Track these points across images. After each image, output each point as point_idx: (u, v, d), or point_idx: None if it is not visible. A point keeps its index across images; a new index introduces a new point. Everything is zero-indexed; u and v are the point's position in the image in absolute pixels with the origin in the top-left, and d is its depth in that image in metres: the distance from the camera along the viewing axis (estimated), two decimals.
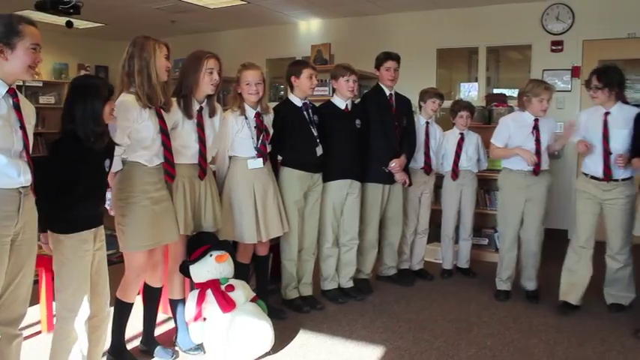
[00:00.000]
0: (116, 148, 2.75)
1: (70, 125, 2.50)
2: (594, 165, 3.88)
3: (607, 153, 3.80)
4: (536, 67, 6.42)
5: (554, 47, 6.30)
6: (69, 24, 5.64)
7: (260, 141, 3.56)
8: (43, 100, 8.27)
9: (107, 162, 2.68)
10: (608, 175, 3.81)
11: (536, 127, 4.14)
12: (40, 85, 8.21)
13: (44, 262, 3.44)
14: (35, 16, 5.78)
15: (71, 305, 2.56)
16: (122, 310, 2.96)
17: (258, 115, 3.59)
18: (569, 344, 3.46)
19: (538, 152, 4.11)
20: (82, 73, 8.79)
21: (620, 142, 3.78)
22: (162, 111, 2.97)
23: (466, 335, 3.61)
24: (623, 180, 3.83)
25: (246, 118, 3.54)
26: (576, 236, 4.04)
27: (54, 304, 3.57)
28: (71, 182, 2.50)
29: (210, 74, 3.20)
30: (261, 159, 3.57)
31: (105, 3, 6.49)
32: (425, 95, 4.72)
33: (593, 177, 3.89)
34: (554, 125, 4.32)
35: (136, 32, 2.92)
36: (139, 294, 3.20)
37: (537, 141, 4.12)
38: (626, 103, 3.98)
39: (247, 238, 3.57)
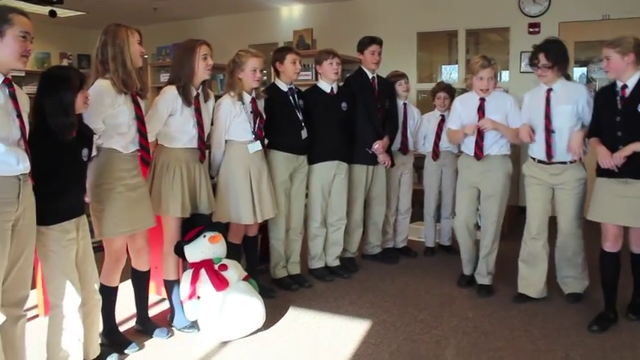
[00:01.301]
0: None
1: (42, 117, 2.52)
2: (539, 147, 3.68)
3: (548, 131, 3.61)
4: (514, 48, 6.56)
5: (531, 29, 6.44)
6: (52, 13, 5.65)
7: (257, 125, 3.68)
8: (26, 89, 8.03)
9: (85, 151, 2.69)
10: (550, 156, 3.62)
11: (481, 108, 3.93)
12: (23, 75, 8.16)
13: None
14: (18, 5, 5.81)
15: (60, 294, 2.62)
16: (107, 295, 3.01)
17: (253, 100, 3.70)
18: (546, 314, 3.64)
19: (481, 135, 3.89)
20: (64, 62, 8.78)
21: (563, 119, 3.59)
22: (138, 97, 3.02)
23: (449, 308, 3.78)
24: (572, 162, 3.62)
25: (243, 103, 3.64)
26: (527, 226, 3.83)
27: None
28: (49, 174, 2.53)
29: (205, 60, 3.32)
30: (259, 142, 3.70)
31: None
32: (391, 79, 4.84)
33: (540, 161, 3.69)
34: (509, 103, 3.95)
35: (118, 20, 2.97)
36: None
37: None
38: (568, 78, 3.79)
39: (245, 219, 3.69)
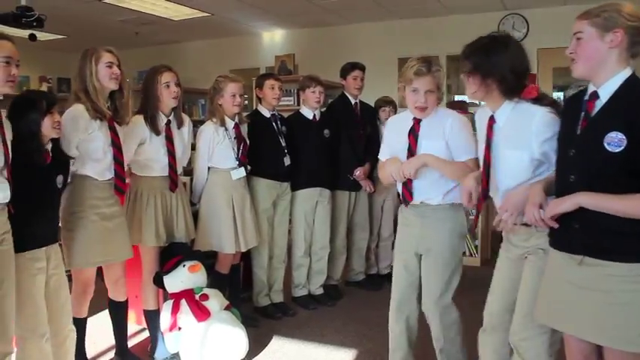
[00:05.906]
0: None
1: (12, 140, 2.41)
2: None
3: (487, 167, 2.29)
4: None
5: None
6: (32, 37, 5.58)
7: (240, 151, 3.64)
8: (3, 113, 8.14)
9: (60, 178, 2.61)
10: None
11: (412, 132, 2.69)
12: (1, 98, 8.06)
13: None
14: None
15: (31, 325, 2.49)
16: (76, 326, 2.83)
17: (237, 126, 3.66)
18: None
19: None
20: (44, 85, 8.70)
21: (511, 166, 2.20)
22: (115, 124, 2.94)
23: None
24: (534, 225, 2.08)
25: (226, 129, 3.60)
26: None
27: None
28: (17, 199, 2.36)
29: (168, 87, 3.23)
30: (242, 169, 3.65)
31: (67, 14, 6.46)
32: (377, 104, 4.86)
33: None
34: (448, 124, 2.65)
35: (99, 44, 2.93)
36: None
37: (410, 151, 2.68)
38: (537, 100, 2.20)
39: (227, 248, 3.61)
